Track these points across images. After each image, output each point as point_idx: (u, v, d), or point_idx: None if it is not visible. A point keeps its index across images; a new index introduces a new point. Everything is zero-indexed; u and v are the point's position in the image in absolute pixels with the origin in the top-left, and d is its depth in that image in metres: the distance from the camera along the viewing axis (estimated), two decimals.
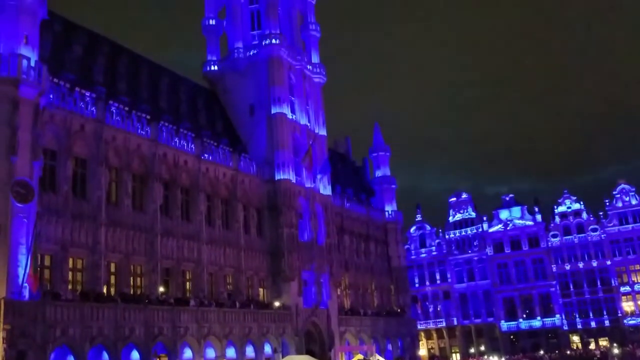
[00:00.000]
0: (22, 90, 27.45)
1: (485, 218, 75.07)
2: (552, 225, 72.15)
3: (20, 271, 25.52)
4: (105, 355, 29.29)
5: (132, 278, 33.29)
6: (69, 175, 30.80)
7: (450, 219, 77.25)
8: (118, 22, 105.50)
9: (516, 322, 70.84)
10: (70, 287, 29.51)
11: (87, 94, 33.09)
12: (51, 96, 30.07)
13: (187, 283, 37.00)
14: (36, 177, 27.60)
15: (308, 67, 52.09)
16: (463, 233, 75.71)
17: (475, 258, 74.24)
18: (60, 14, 37.31)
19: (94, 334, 28.24)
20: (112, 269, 32.33)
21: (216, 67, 50.87)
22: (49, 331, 26.25)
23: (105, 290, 30.95)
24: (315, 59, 53.55)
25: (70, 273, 30.04)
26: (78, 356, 27.56)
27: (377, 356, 44.32)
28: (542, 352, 62.51)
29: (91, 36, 39.96)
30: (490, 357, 61.65)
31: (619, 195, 70.28)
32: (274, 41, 47.65)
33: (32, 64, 28.14)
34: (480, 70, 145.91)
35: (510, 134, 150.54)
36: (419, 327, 67.12)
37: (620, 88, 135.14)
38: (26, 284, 25.62)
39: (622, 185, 70.41)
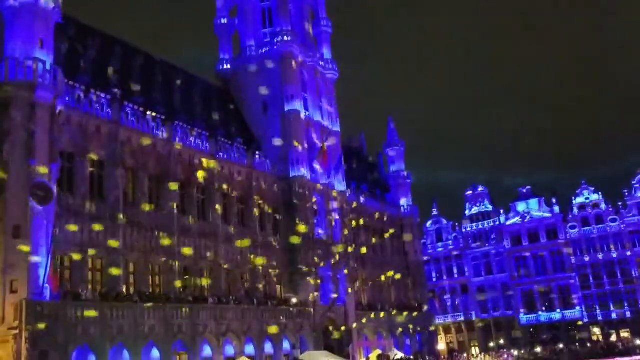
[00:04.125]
0: (39, 93, 27.81)
1: (502, 211, 74.54)
2: (570, 216, 71.39)
3: (41, 272, 25.89)
4: (126, 354, 29.61)
5: (150, 277, 33.60)
6: (87, 177, 31.16)
7: (467, 212, 76.80)
8: (130, 24, 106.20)
9: (535, 315, 70.27)
10: (90, 287, 29.86)
11: (102, 95, 33.44)
12: (67, 99, 30.40)
13: (205, 281, 37.21)
14: (54, 179, 27.94)
15: (320, 63, 52.06)
16: (480, 226, 75.21)
17: (493, 251, 73.74)
18: (73, 18, 37.65)
19: (114, 333, 28.57)
20: (131, 269, 32.65)
21: (229, 66, 51.06)
22: (70, 331, 26.60)
23: (124, 290, 31.26)
24: (327, 54, 53.51)
25: (89, 273, 30.39)
26: (99, 355, 27.91)
27: (396, 351, 44.31)
28: (561, 345, 61.91)
29: (105, 38, 40.30)
30: (511, 351, 61.18)
31: (638, 185, 69.29)
32: (285, 38, 47.70)
33: (48, 67, 28.48)
34: (497, 62, 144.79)
35: (528, 125, 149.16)
36: (437, 321, 66.86)
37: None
38: (47, 285, 26.00)
39: None
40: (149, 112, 36.09)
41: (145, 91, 39.56)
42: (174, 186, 34.77)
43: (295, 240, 40.39)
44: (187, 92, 44.30)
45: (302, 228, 43.40)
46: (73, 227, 29.27)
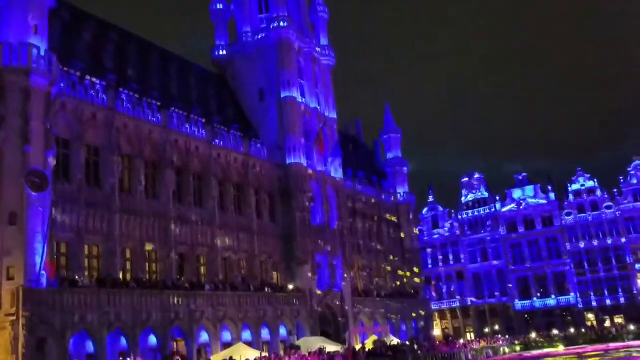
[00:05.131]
0: (33, 79, 27.59)
1: (498, 198, 74.79)
2: (566, 203, 71.69)
3: (38, 259, 25.87)
4: (123, 340, 29.73)
5: (147, 264, 33.62)
6: (82, 164, 31.04)
7: (463, 199, 77.07)
8: (126, 9, 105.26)
9: (530, 301, 70.81)
10: (86, 274, 29.87)
11: (98, 82, 33.19)
12: (62, 85, 30.16)
13: (202, 268, 37.30)
14: (50, 166, 27.82)
15: (317, 49, 51.79)
16: (476, 213, 75.51)
17: (489, 238, 74.11)
18: (68, 2, 37.29)
19: (111, 319, 28.64)
20: (128, 256, 32.66)
21: (225, 52, 50.73)
22: (67, 318, 26.65)
23: (121, 277, 31.29)
24: (324, 41, 53.21)
25: (86, 260, 30.39)
26: (96, 342, 28.01)
27: (392, 337, 44.56)
28: (556, 331, 62.41)
29: (100, 24, 39.97)
30: (506, 336, 61.60)
31: (633, 172, 69.57)
32: (282, 24, 47.37)
33: (42, 53, 28.23)
34: (495, 49, 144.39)
35: (525, 113, 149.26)
36: (432, 307, 67.30)
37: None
38: (44, 272, 25.98)
39: (637, 162, 69.62)
40: (144, 99, 35.87)
41: (141, 77, 39.34)
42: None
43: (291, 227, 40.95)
44: (183, 79, 44.07)
45: (298, 215, 43.56)
46: (69, 214, 29.23)
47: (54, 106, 29.18)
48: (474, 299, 73.72)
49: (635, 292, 66.95)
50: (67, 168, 30.44)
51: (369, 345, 38.24)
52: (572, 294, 69.08)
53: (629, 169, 69.98)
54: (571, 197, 71.66)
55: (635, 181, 69.18)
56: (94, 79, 33.04)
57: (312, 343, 36.00)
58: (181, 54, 47.73)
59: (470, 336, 69.27)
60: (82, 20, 38.27)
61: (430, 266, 75.48)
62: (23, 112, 27.10)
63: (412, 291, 59.87)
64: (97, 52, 37.20)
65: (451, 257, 75.78)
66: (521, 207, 73.00)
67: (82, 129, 31.27)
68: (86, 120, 31.58)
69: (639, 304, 66.18)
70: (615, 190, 70.19)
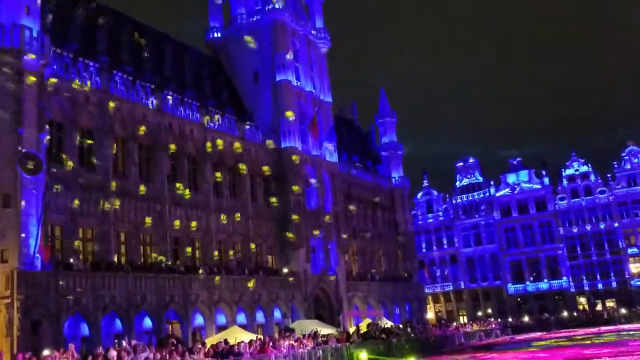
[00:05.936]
0: (26, 61, 27.27)
1: (492, 182, 74.99)
2: (559, 188, 71.96)
3: (32, 242, 25.79)
4: (118, 323, 29.80)
5: (142, 247, 33.61)
6: (76, 147, 30.84)
7: (457, 184, 77.24)
8: None
9: (523, 285, 71.36)
10: (81, 257, 29.82)
11: (91, 64, 32.87)
12: (55, 67, 29.85)
13: (197, 251, 37.31)
14: (43, 148, 27.63)
15: (312, 32, 51.40)
16: (470, 198, 75.73)
17: (483, 222, 74.44)
18: None
19: (106, 302, 28.69)
20: (122, 239, 32.63)
21: (219, 34, 50.27)
22: (62, 300, 26.66)
23: (115, 260, 31.28)
24: (319, 23, 52.83)
25: (80, 243, 30.30)
26: (91, 324, 28.07)
27: (386, 320, 44.87)
28: (546, 315, 63.06)
29: (93, 5, 39.44)
30: (498, 320, 62.19)
31: (627, 157, 69.80)
32: (277, 6, 46.97)
33: (35, 34, 27.87)
34: (490, 32, 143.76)
35: (520, 98, 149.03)
36: (426, 291, 67.76)
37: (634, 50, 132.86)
38: (38, 255, 25.93)
39: (631, 147, 69.83)
40: (138, 81, 35.58)
41: (134, 60, 38.95)
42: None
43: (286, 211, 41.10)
44: (177, 61, 43.64)
45: (293, 199, 43.57)
46: (63, 197, 29.11)
47: (47, 88, 28.88)
48: (467, 283, 74.24)
49: (627, 276, 67.54)
50: (60, 151, 30.23)
51: (362, 328, 38.48)
52: (565, 278, 69.63)
53: (622, 154, 70.22)
54: (565, 181, 71.91)
55: (629, 166, 69.43)
56: (87, 61, 32.73)
57: (306, 326, 36.20)
58: (175, 36, 47.18)
59: (463, 319, 69.87)
60: (75, 2, 37.75)
61: (424, 250, 75.86)
62: (16, 94, 26.84)
63: (406, 275, 60.20)
64: (90, 34, 36.72)
65: (445, 241, 76.16)
66: (515, 192, 73.25)
67: (75, 111, 31.02)
68: (79, 102, 31.31)
69: (631, 288, 66.84)
70: (609, 175, 70.46)
